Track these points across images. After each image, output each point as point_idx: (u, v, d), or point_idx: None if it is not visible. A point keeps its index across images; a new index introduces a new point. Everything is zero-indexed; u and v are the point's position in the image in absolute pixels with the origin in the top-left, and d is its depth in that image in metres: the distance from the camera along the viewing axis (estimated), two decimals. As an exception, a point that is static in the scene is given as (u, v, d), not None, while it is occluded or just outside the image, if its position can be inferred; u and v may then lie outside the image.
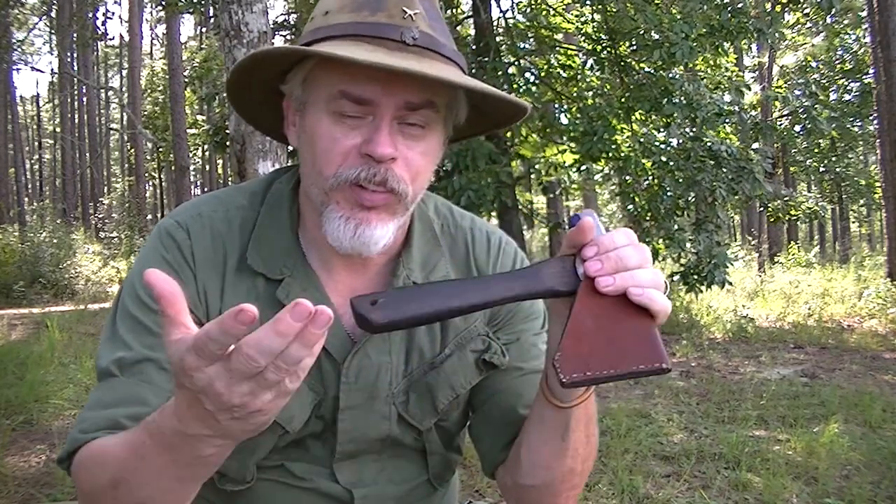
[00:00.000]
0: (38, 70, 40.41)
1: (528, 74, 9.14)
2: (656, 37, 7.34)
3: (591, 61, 8.85)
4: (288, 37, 11.44)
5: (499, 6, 9.29)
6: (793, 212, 8.17)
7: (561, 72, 9.39)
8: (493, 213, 8.35)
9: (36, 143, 38.53)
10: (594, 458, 1.00)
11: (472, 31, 9.31)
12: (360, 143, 0.87)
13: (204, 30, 25.76)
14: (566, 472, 0.95)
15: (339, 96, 0.87)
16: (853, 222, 34.17)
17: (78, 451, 0.86)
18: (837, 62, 22.67)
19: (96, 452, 0.82)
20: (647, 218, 8.17)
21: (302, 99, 0.92)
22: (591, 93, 9.24)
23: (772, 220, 8.73)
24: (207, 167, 33.76)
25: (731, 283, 8.09)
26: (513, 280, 0.80)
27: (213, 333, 0.60)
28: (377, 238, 0.90)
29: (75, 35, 18.88)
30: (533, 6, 9.73)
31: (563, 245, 0.82)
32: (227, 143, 5.60)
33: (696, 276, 7.58)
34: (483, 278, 0.81)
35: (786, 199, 8.24)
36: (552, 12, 9.79)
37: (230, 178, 15.19)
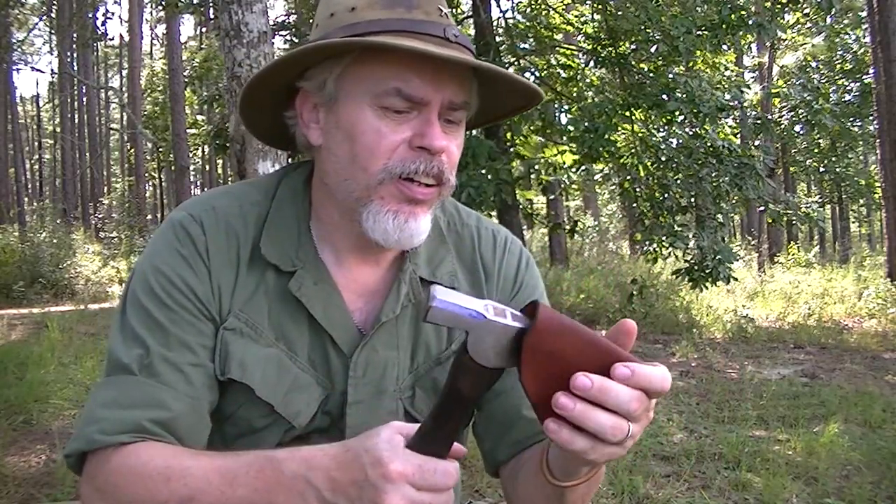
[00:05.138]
0: (38, 70, 40.51)
1: (528, 74, 9.14)
2: (657, 35, 7.35)
3: (591, 61, 8.86)
4: (288, 37, 11.45)
5: (499, 6, 9.30)
6: (789, 215, 8.15)
7: (561, 72, 9.38)
8: (494, 212, 8.35)
9: (36, 143, 38.50)
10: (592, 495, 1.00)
11: (472, 31, 9.31)
12: (409, 137, 0.89)
13: (204, 30, 25.75)
14: None
15: (394, 93, 0.87)
16: (853, 222, 34.15)
17: (93, 451, 0.86)
18: (837, 62, 22.66)
19: (161, 466, 0.82)
20: (649, 216, 8.17)
21: (332, 95, 0.92)
22: (591, 91, 9.24)
23: (770, 221, 8.71)
24: (207, 167, 33.78)
25: (735, 279, 8.08)
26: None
27: (441, 479, 0.73)
28: (421, 230, 0.92)
29: (75, 35, 18.86)
30: (533, 6, 9.73)
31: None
32: (227, 145, 5.60)
33: (700, 273, 7.57)
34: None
35: (784, 202, 8.23)
36: (552, 12, 9.78)
37: (230, 178, 15.19)
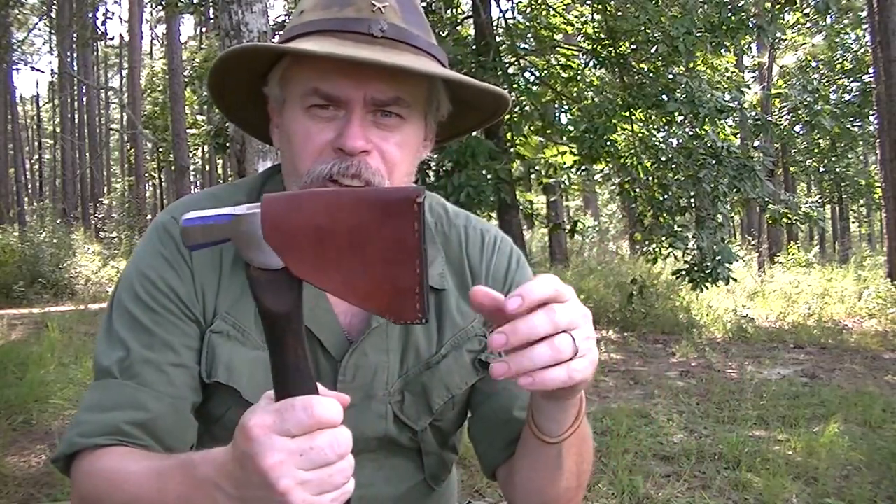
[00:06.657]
0: (38, 70, 40.58)
1: (527, 74, 9.14)
2: (657, 35, 7.35)
3: (591, 61, 8.86)
4: (288, 37, 11.43)
5: (499, 6, 9.29)
6: (789, 215, 8.15)
7: (561, 72, 9.39)
8: (493, 213, 8.35)
9: (36, 143, 38.47)
10: (590, 467, 0.99)
11: (472, 31, 9.30)
12: (333, 138, 0.88)
13: (204, 30, 25.72)
14: (562, 491, 0.94)
15: (312, 92, 0.88)
16: (853, 222, 34.12)
17: (77, 454, 0.87)
18: (837, 62, 22.66)
19: (111, 471, 0.83)
20: (649, 217, 8.17)
21: (281, 98, 0.94)
22: (591, 91, 9.24)
23: (770, 221, 8.71)
24: (207, 167, 33.73)
25: (735, 279, 8.09)
26: None
27: (303, 415, 0.62)
28: None
29: (75, 35, 18.86)
30: (533, 6, 9.73)
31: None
32: (227, 145, 5.60)
33: (700, 273, 7.58)
34: None
35: (784, 202, 8.23)
36: (552, 12, 9.78)
37: (230, 178, 15.17)
